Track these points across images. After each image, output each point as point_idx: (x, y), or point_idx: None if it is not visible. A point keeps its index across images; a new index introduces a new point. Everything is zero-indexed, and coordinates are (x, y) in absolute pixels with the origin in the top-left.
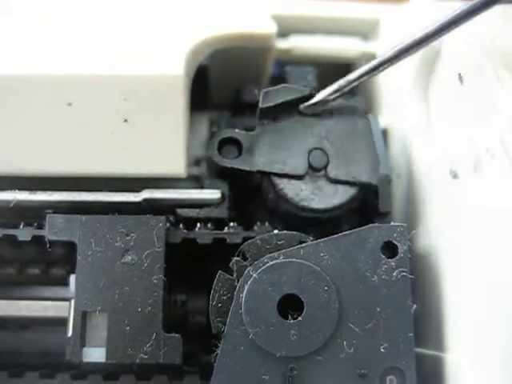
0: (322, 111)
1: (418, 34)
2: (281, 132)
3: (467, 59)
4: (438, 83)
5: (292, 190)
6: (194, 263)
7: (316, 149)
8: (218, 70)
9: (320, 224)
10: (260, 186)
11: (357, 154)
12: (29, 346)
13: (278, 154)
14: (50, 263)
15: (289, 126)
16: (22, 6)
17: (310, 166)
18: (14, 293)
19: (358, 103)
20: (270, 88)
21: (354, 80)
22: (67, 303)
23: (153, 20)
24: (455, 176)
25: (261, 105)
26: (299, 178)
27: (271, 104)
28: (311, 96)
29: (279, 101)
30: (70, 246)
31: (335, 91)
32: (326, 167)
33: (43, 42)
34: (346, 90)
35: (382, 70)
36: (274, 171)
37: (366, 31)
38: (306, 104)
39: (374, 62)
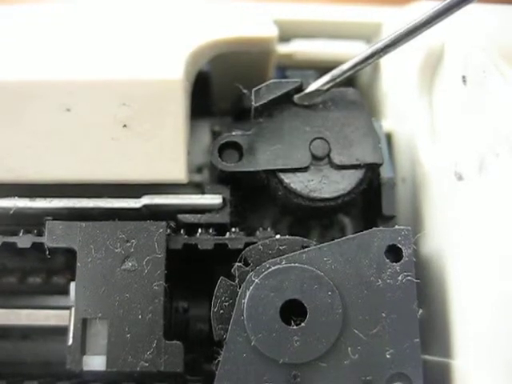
0: (317, 100)
1: (409, 24)
2: (278, 127)
3: (470, 60)
4: (442, 85)
5: (300, 182)
6: (195, 269)
7: (316, 138)
8: (219, 75)
9: (334, 212)
10: (265, 186)
11: (357, 136)
12: (29, 356)
13: (280, 149)
14: (51, 272)
15: (285, 120)
16: (21, 12)
17: (313, 156)
18: (15, 302)
19: (352, 95)
20: (260, 85)
21: (348, 70)
22: (68, 312)
23: (152, 24)
24: (460, 178)
25: (254, 103)
26: (304, 169)
27: (265, 101)
28: (302, 87)
29: (272, 96)
30: (71, 254)
31: (329, 81)
32: (329, 155)
33: (41, 47)
34: (339, 79)
35: (375, 59)
36: (279, 167)
37: (368, 35)
38: (300, 94)
39: (367, 52)
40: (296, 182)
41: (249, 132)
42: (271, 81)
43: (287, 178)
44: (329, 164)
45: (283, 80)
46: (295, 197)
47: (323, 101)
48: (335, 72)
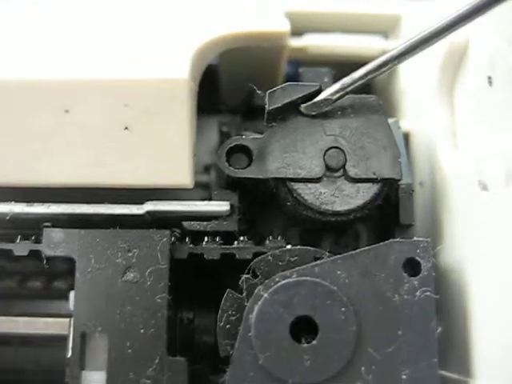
0: (335, 106)
1: (428, 30)
2: (292, 133)
3: (497, 59)
4: (465, 85)
5: (311, 194)
6: (202, 279)
7: (331, 148)
8: (228, 70)
9: (344, 226)
10: (274, 194)
11: (375, 148)
12: (30, 363)
13: (292, 157)
14: (52, 276)
15: (300, 126)
16: (17, 8)
17: (327, 167)
18: (14, 307)
19: (373, 103)
20: (276, 88)
21: (359, 78)
22: (67, 320)
23: (156, 20)
24: (484, 188)
25: (268, 107)
26: (317, 180)
27: (279, 105)
28: (320, 92)
29: (287, 100)
30: (71, 261)
31: (339, 90)
32: (344, 166)
33: (38, 45)
34: (350, 88)
35: (389, 68)
36: (290, 176)
37: (386, 28)
38: (307, 104)
39: (380, 59)
40: (307, 193)
41: (260, 136)
42: (287, 83)
43: (298, 189)
44: (343, 176)
45: (300, 83)
46: (305, 209)
47: (342, 107)
48: (346, 80)
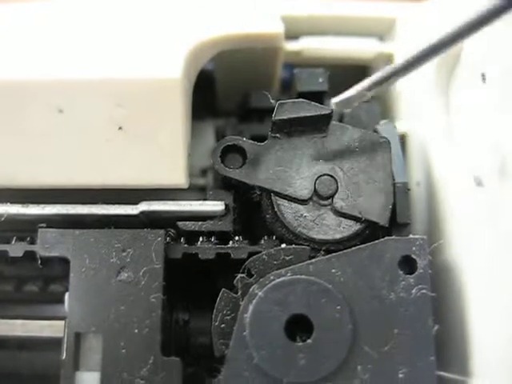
0: (343, 136)
1: (431, 42)
2: (292, 149)
3: (490, 56)
4: (459, 83)
5: (292, 213)
6: (197, 279)
7: (325, 175)
8: (224, 73)
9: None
10: (259, 202)
11: (369, 189)
12: (26, 367)
13: (284, 172)
14: (49, 280)
15: (302, 144)
16: (11, 9)
17: (316, 192)
18: (11, 310)
19: (373, 110)
20: (288, 100)
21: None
22: (63, 323)
23: (149, 19)
24: (479, 183)
25: (274, 117)
26: (301, 202)
27: (285, 117)
28: (331, 117)
29: (294, 115)
30: (66, 262)
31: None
32: (332, 196)
33: (30, 44)
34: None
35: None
36: (276, 190)
37: (381, 31)
38: (339, 100)
39: (386, 71)
40: (288, 212)
41: (260, 143)
42: (300, 100)
43: (281, 204)
44: (329, 206)
45: (313, 103)
46: (281, 226)
47: (350, 139)
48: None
